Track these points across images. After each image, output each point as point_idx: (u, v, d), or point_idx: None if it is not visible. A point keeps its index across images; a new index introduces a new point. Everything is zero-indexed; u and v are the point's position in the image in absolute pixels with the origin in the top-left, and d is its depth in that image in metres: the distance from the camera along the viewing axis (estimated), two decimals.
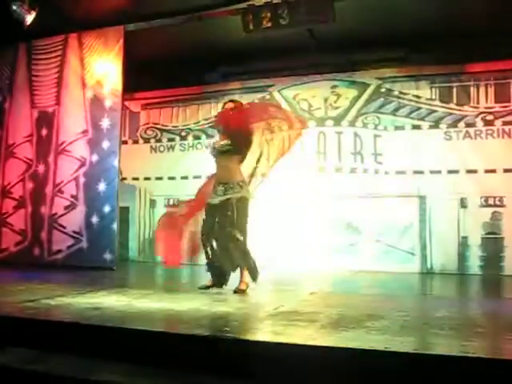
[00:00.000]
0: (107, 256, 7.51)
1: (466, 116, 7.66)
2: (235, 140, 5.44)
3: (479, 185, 7.49)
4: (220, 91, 8.80)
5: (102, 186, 7.66)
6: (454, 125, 7.71)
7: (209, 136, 8.87)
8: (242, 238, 5.37)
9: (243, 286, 5.39)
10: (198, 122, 8.95)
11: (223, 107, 5.78)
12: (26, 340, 3.70)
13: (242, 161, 5.54)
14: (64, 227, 7.84)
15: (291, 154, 8.34)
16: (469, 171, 7.57)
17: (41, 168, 8.10)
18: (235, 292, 5.32)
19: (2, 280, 6.51)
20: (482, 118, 7.59)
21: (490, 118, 7.56)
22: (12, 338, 3.75)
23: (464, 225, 7.55)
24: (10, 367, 3.39)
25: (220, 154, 5.49)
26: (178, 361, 3.24)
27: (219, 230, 5.38)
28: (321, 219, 8.09)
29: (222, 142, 5.50)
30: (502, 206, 7.41)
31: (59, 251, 7.85)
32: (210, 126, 8.69)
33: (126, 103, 8.80)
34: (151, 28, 7.57)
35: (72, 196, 7.85)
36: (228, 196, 5.37)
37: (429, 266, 7.66)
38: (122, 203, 7.95)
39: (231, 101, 5.84)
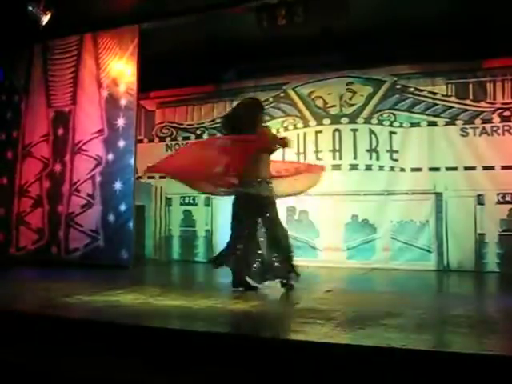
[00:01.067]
0: (124, 254, 7.54)
1: (482, 112, 7.58)
2: None
3: (496, 181, 7.42)
4: (235, 89, 8.79)
5: (118, 185, 7.69)
6: (470, 121, 7.63)
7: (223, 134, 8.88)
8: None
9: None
10: (213, 121, 8.94)
11: (240, 103, 5.71)
12: (44, 338, 3.73)
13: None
14: (81, 226, 7.89)
15: (307, 152, 8.44)
16: (485, 168, 7.50)
17: (57, 167, 8.15)
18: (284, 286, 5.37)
19: (20, 278, 6.57)
20: (498, 114, 7.51)
21: (506, 113, 7.48)
22: (30, 336, 3.78)
23: (481, 222, 7.48)
24: (30, 364, 3.42)
25: None
26: (195, 358, 3.26)
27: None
28: (336, 216, 8.07)
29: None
30: None
31: (76, 249, 7.90)
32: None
33: (142, 102, 8.81)
34: (166, 27, 7.59)
35: (88, 195, 7.90)
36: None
37: (445, 263, 7.60)
38: (137, 202, 7.97)
39: (250, 99, 5.79)
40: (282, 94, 8.62)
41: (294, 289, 5.34)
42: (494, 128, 7.52)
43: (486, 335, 3.40)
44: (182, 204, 9.15)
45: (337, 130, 8.27)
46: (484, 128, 7.56)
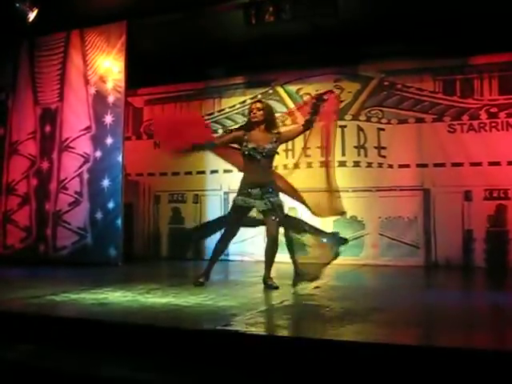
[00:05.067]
0: (112, 252, 7.53)
1: (469, 108, 7.63)
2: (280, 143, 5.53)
3: (483, 177, 7.46)
4: (223, 86, 8.79)
5: (106, 182, 7.67)
6: (457, 117, 7.67)
7: (212, 131, 8.87)
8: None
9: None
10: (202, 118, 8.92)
11: (251, 107, 5.51)
12: (32, 336, 3.71)
13: None
14: (69, 223, 7.86)
15: (295, 149, 8.43)
16: (473, 164, 7.54)
17: (45, 165, 8.12)
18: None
19: (8, 276, 6.53)
20: (485, 111, 7.55)
21: (493, 110, 7.53)
22: (18, 335, 3.76)
23: (468, 218, 7.52)
24: (17, 363, 3.40)
25: (265, 156, 5.34)
26: (183, 355, 3.25)
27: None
28: None
29: (269, 146, 5.34)
30: (506, 198, 7.38)
31: (64, 247, 7.87)
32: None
33: (129, 99, 8.77)
34: (154, 23, 7.56)
35: (76, 192, 7.87)
36: (268, 200, 5.30)
37: (433, 259, 7.64)
38: (125, 199, 7.94)
39: (259, 101, 5.71)
40: (270, 91, 8.62)
41: (280, 287, 5.35)
42: (482, 124, 7.56)
43: (473, 330, 3.41)
44: (170, 201, 9.13)
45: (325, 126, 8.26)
46: (471, 124, 7.60)
